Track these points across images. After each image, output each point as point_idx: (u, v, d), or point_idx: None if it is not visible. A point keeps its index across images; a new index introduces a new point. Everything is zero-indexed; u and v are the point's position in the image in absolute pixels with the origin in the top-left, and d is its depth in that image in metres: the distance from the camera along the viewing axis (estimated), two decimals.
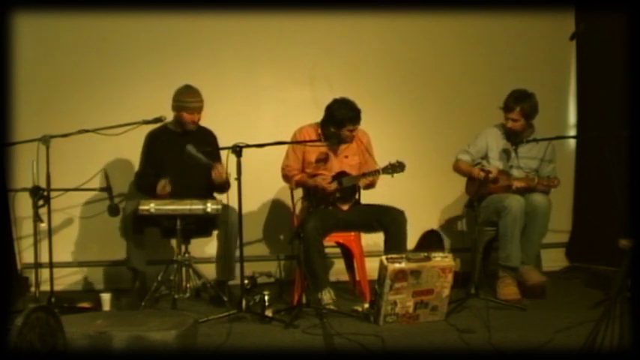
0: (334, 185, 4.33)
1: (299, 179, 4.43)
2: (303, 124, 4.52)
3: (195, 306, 4.18)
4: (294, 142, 4.45)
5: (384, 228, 4.23)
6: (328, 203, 4.35)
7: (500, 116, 4.53)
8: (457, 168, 4.63)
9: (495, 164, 4.51)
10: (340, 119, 4.28)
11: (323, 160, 4.44)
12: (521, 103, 4.38)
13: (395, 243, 4.10)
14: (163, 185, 4.24)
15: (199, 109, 4.42)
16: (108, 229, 4.83)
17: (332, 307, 4.06)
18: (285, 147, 4.49)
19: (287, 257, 5.08)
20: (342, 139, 4.35)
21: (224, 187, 4.32)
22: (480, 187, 4.38)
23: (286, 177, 4.53)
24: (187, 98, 4.39)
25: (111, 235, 4.84)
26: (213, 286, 4.25)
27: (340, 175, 4.38)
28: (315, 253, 4.10)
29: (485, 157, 4.58)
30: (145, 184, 4.42)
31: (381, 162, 4.46)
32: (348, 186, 4.36)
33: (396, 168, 4.17)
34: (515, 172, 4.47)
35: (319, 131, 4.43)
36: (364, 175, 4.30)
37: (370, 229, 4.35)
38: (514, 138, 4.47)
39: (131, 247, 4.24)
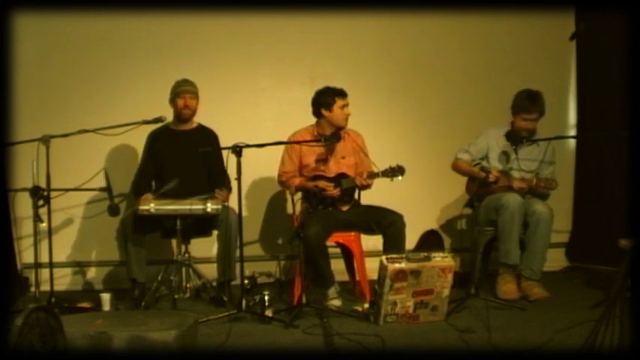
0: (338, 190, 4.33)
1: (299, 184, 4.43)
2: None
3: (195, 306, 4.19)
4: (294, 143, 4.45)
5: (382, 231, 4.23)
6: (328, 204, 4.35)
7: (502, 116, 4.53)
8: (456, 167, 4.63)
9: (495, 165, 4.50)
10: (326, 98, 4.34)
11: (323, 160, 4.45)
12: (538, 102, 4.37)
13: (393, 246, 4.09)
14: (145, 199, 4.24)
15: (191, 93, 4.44)
16: (108, 229, 4.83)
17: (337, 301, 4.10)
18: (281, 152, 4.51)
19: (287, 257, 5.08)
20: (337, 124, 4.36)
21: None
22: (480, 187, 4.38)
23: (283, 183, 4.54)
24: (178, 84, 4.46)
25: (111, 236, 4.84)
26: (213, 287, 4.25)
27: (340, 177, 4.38)
28: (319, 256, 4.11)
29: (486, 157, 4.58)
30: (141, 187, 4.43)
31: (381, 162, 4.47)
32: (347, 187, 4.36)
33: (396, 172, 4.16)
34: (515, 174, 4.47)
35: (315, 133, 4.43)
36: (364, 177, 4.29)
37: (369, 230, 4.35)
38: (514, 139, 4.46)
39: (131, 254, 4.22)
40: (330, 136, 4.31)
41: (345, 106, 4.36)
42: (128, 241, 4.22)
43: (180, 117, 4.47)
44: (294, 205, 4.48)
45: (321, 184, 4.34)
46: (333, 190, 4.32)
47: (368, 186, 4.35)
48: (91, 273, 5.06)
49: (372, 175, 4.26)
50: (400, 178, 4.14)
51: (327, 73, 5.11)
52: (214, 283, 4.31)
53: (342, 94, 4.36)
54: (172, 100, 4.47)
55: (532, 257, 4.32)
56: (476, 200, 4.37)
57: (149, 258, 4.37)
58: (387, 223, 4.20)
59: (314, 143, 4.38)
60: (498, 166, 4.49)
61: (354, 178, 4.34)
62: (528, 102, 4.39)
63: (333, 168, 4.44)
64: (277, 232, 5.26)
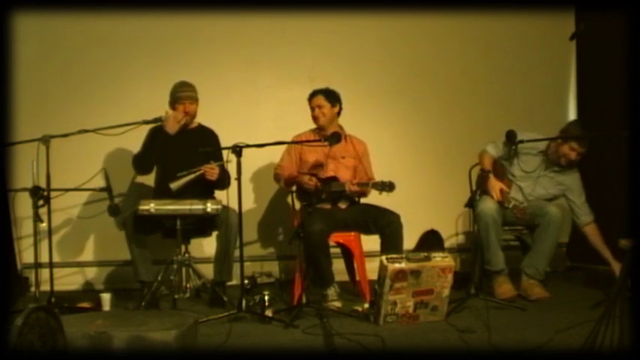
0: (314, 181, 4.31)
1: (287, 177, 4.47)
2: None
3: (195, 306, 4.19)
4: (294, 143, 4.45)
5: (379, 231, 4.24)
6: (320, 201, 4.33)
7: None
8: (480, 159, 4.52)
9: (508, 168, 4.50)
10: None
11: (321, 165, 4.45)
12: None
13: (390, 246, 4.09)
14: (167, 113, 4.28)
15: (190, 99, 4.43)
16: (108, 229, 4.83)
17: (337, 303, 4.10)
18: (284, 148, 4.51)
19: (287, 257, 5.08)
20: (338, 135, 4.34)
21: (224, 182, 4.32)
22: (478, 185, 4.37)
23: (277, 177, 4.57)
24: (177, 89, 4.44)
25: (111, 235, 4.84)
26: (212, 287, 4.24)
27: (331, 180, 4.37)
28: (321, 255, 4.12)
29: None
30: (144, 156, 4.40)
31: (381, 163, 4.48)
32: (336, 190, 4.32)
33: (385, 187, 4.15)
34: (515, 173, 4.46)
35: (319, 133, 4.45)
36: (354, 184, 4.30)
37: (366, 230, 4.36)
38: (513, 139, 4.42)
39: (135, 256, 4.21)
40: (330, 136, 4.27)
41: (314, 107, 4.44)
42: (131, 243, 4.21)
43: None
44: (294, 202, 4.49)
45: (305, 178, 4.33)
46: (310, 184, 4.31)
47: (361, 193, 4.34)
48: (91, 273, 5.06)
49: (362, 185, 4.27)
50: (387, 193, 4.14)
51: (327, 73, 5.12)
52: (208, 285, 4.31)
53: (309, 97, 4.47)
54: (172, 105, 4.45)
55: (538, 257, 4.32)
56: (476, 199, 4.36)
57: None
58: (385, 223, 4.20)
59: (315, 143, 4.37)
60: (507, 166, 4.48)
61: (344, 183, 4.32)
62: (581, 138, 4.35)
63: (331, 167, 4.45)
64: (277, 232, 5.26)
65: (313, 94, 4.48)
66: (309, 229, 4.03)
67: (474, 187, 4.42)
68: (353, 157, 4.51)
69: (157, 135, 4.47)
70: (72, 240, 5.04)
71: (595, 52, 5.27)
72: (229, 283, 4.36)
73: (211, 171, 4.27)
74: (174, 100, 4.43)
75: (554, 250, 4.38)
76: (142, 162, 4.44)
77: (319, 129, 4.48)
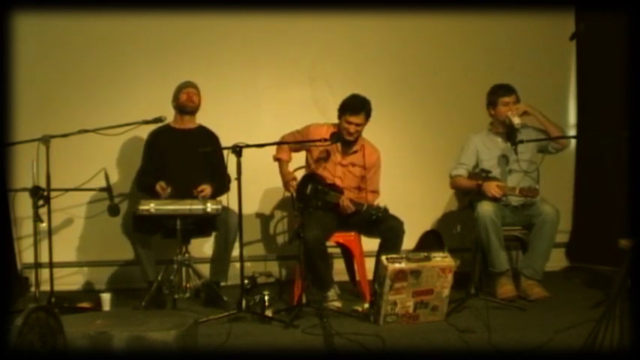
0: (293, 185, 4.35)
1: (285, 159, 4.47)
2: (299, 127, 4.50)
3: (195, 306, 4.19)
4: (293, 142, 4.45)
5: (381, 234, 4.23)
6: (317, 208, 4.29)
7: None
8: (456, 185, 4.56)
9: (492, 167, 4.47)
10: (341, 106, 4.31)
11: (324, 158, 4.43)
12: (512, 87, 4.46)
13: (389, 249, 4.06)
14: (162, 187, 4.23)
15: (194, 88, 4.50)
16: (108, 229, 4.82)
17: (337, 303, 4.10)
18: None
19: (287, 257, 5.08)
20: (341, 133, 4.30)
21: (219, 191, 4.31)
22: (477, 193, 4.36)
23: (276, 159, 4.52)
24: (181, 83, 4.51)
25: (111, 235, 4.83)
26: (209, 287, 4.24)
27: (330, 186, 4.34)
28: (318, 259, 4.11)
29: (479, 163, 4.53)
30: (145, 182, 4.41)
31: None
32: (330, 201, 4.27)
33: (379, 211, 4.09)
34: (515, 175, 4.45)
35: (331, 130, 4.32)
36: (351, 201, 4.24)
37: (368, 232, 4.35)
38: (513, 139, 4.41)
39: (142, 257, 4.23)
40: (331, 135, 4.24)
41: (352, 123, 4.28)
42: (136, 244, 4.23)
43: (185, 109, 4.48)
44: (295, 203, 4.48)
45: (290, 178, 4.36)
46: (288, 185, 4.38)
47: (354, 212, 4.24)
48: (91, 273, 5.06)
49: (357, 205, 4.22)
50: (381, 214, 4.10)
51: (327, 73, 5.11)
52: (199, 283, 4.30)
53: (352, 110, 4.27)
54: (176, 97, 4.50)
55: (535, 257, 4.32)
56: (475, 200, 4.36)
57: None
58: (387, 228, 4.19)
59: (316, 142, 4.35)
60: (497, 169, 4.46)
61: (341, 197, 4.26)
62: (504, 89, 4.45)
63: (337, 171, 4.43)
64: (277, 232, 5.26)
65: (359, 110, 4.25)
66: (305, 235, 4.02)
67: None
68: (362, 166, 4.47)
69: (155, 141, 4.46)
70: (72, 240, 5.04)
71: (595, 52, 5.27)
72: (228, 283, 4.36)
73: (203, 193, 4.27)
74: (178, 91, 4.49)
75: (550, 249, 4.37)
76: (142, 187, 4.47)
77: (344, 139, 4.35)
